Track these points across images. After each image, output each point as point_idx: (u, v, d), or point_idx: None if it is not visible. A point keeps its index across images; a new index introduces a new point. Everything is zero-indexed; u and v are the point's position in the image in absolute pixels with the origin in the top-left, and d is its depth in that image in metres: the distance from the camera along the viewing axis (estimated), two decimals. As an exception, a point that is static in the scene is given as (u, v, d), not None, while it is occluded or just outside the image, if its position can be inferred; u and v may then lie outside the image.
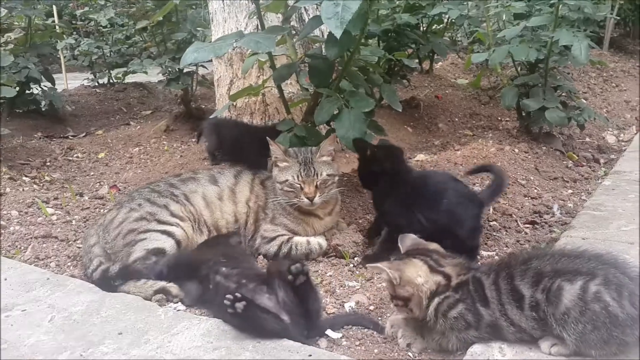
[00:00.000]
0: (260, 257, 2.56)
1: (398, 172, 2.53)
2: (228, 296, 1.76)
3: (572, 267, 1.61)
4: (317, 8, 3.09)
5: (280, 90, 2.91)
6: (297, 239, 2.53)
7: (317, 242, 2.54)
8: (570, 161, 3.98)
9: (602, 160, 4.05)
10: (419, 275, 1.73)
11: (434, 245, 1.89)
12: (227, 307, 1.75)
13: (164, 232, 2.38)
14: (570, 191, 3.41)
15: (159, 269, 2.23)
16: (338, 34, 2.05)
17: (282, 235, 2.55)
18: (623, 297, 1.54)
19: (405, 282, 1.73)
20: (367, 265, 1.99)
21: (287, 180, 2.48)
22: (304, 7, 3.38)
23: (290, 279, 1.84)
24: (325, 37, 2.73)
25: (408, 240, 1.93)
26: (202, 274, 2.13)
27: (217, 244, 2.42)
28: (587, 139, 4.48)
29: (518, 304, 1.63)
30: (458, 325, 1.69)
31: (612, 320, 1.52)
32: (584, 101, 5.20)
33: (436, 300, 1.71)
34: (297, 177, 2.46)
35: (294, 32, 2.97)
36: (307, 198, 2.45)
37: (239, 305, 1.74)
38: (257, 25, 2.84)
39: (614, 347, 1.56)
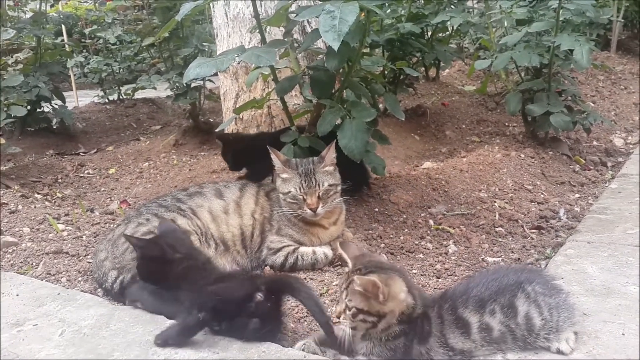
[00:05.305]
0: (267, 268, 2.59)
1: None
2: None
3: (501, 285, 1.71)
4: (319, 20, 3.13)
5: (284, 102, 2.94)
6: (303, 249, 2.56)
7: (323, 251, 2.56)
8: (577, 165, 3.97)
9: (609, 164, 4.03)
10: (402, 290, 1.62)
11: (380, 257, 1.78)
12: None
13: (171, 245, 2.40)
14: (577, 195, 3.40)
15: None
16: (335, 46, 2.09)
17: (288, 246, 2.57)
18: (542, 283, 1.74)
19: (391, 298, 1.61)
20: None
21: (289, 192, 2.51)
22: (307, 20, 3.42)
23: None
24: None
25: (351, 249, 1.81)
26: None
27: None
28: (595, 143, 4.47)
29: (464, 331, 1.65)
30: (396, 353, 1.63)
31: (557, 299, 1.71)
32: (591, 104, 5.18)
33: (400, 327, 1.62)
34: (299, 188, 2.49)
35: (296, 44, 3.00)
36: (310, 209, 2.48)
37: None
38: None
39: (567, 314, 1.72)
